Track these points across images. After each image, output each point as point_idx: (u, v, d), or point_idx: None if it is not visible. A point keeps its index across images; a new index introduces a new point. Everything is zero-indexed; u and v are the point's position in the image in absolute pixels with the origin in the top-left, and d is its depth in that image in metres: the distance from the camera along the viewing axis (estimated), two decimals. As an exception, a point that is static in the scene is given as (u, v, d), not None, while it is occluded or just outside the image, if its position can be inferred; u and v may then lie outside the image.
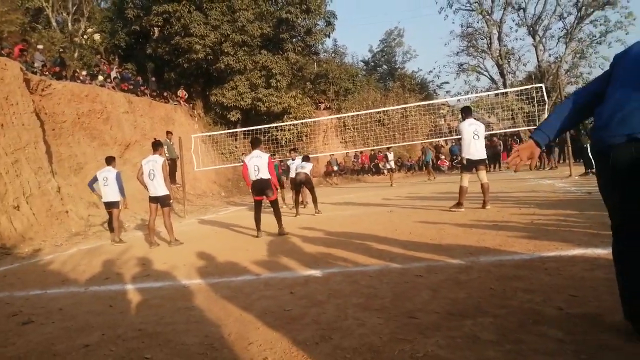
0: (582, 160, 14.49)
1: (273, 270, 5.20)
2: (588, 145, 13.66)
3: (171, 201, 9.02)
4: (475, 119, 9.19)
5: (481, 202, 8.56)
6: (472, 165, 8.68)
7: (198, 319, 3.67)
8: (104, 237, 10.35)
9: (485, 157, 8.90)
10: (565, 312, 2.94)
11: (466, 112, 9.05)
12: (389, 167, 21.95)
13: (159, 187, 8.30)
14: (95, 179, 9.78)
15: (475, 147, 8.59)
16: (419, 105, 25.46)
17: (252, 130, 20.42)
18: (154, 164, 8.34)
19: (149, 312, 4.05)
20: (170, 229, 8.38)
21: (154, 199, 8.43)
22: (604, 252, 4.28)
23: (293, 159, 13.63)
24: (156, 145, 8.65)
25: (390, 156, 21.65)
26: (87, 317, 4.08)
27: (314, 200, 11.32)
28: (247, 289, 4.44)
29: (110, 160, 9.84)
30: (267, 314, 3.58)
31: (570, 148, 14.71)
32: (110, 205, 9.54)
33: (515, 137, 28.23)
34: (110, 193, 9.49)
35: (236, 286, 4.63)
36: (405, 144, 24.65)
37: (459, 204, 8.65)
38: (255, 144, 8.51)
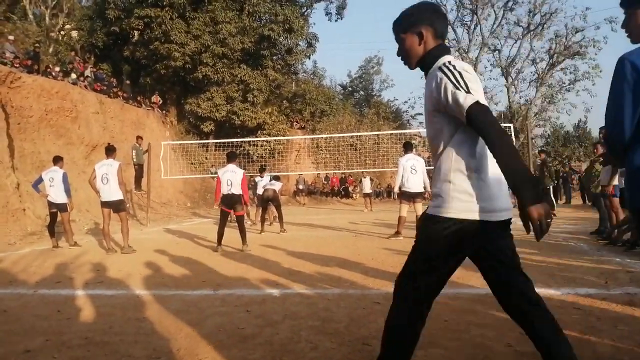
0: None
1: (231, 286, 5.13)
2: (551, 187, 14.10)
3: (127, 205, 8.79)
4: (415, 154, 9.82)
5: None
6: (410, 197, 9.08)
7: (148, 331, 3.57)
8: (60, 238, 10.04)
9: (422, 190, 9.28)
10: (514, 349, 2.98)
11: (407, 147, 9.62)
12: (365, 192, 21.72)
13: (113, 192, 8.10)
14: (40, 180, 9.29)
15: (412, 181, 9.03)
16: (392, 134, 25.81)
17: (225, 142, 20.28)
18: (109, 167, 8.14)
19: (98, 320, 3.93)
20: (126, 234, 8.19)
21: (106, 204, 8.18)
22: (557, 293, 4.39)
23: (262, 177, 13.54)
24: (109, 150, 8.45)
25: (366, 181, 21.60)
26: (33, 321, 3.93)
27: (280, 219, 11.27)
28: (202, 304, 4.36)
29: (57, 160, 9.42)
30: (220, 331, 3.52)
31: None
32: (55, 207, 9.14)
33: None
34: (57, 194, 9.08)
35: (191, 300, 4.54)
36: (376, 170, 24.89)
37: (397, 233, 9.09)
38: (230, 158, 8.54)
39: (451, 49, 34.96)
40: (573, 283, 4.80)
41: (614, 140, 2.09)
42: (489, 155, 1.88)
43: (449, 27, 35.48)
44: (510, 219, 2.13)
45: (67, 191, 9.19)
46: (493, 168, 1.95)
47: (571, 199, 21.88)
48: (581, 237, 8.69)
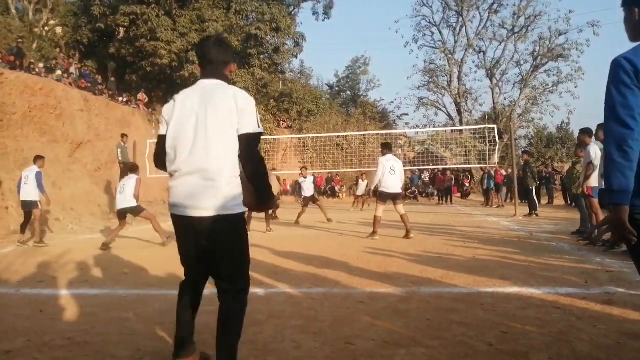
0: (526, 201, 15.06)
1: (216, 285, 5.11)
2: (533, 188, 14.26)
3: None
4: (394, 155, 9.77)
5: (406, 231, 9.03)
6: (387, 198, 9.13)
7: (132, 331, 3.57)
8: (45, 237, 9.95)
9: (400, 191, 9.39)
10: (495, 348, 3.03)
11: (387, 147, 9.52)
12: (358, 193, 21.18)
13: (125, 200, 8.69)
14: (20, 179, 9.31)
15: (391, 182, 9.04)
16: (378, 134, 25.88)
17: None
18: (128, 180, 8.88)
19: (81, 320, 3.91)
20: (158, 231, 8.84)
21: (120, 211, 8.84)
22: (538, 292, 4.46)
23: (305, 178, 13.89)
24: (133, 169, 9.34)
25: (363, 184, 20.34)
26: (14, 321, 3.90)
27: (267, 218, 11.27)
28: (186, 303, 4.35)
29: (36, 159, 9.42)
30: (204, 331, 3.51)
31: (516, 189, 15.27)
32: (27, 205, 9.10)
33: (467, 173, 29.04)
34: (28, 192, 9.01)
35: (176, 299, 4.52)
36: (361, 170, 24.96)
37: (374, 233, 9.12)
38: None
39: (437, 50, 35.46)
40: (554, 282, 4.88)
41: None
42: None
43: (435, 28, 36.18)
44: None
45: (40, 187, 9.08)
46: None
47: (553, 199, 22.14)
48: (562, 237, 8.82)
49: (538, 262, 6.09)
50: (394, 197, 9.17)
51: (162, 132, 2.61)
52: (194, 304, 2.90)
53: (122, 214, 8.75)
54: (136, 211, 8.83)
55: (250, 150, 2.46)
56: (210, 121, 2.43)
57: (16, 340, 3.38)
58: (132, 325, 3.73)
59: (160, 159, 2.64)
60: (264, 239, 9.61)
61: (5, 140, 12.89)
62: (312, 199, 13.65)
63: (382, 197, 9.12)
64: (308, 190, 13.65)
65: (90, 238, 10.19)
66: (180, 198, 2.49)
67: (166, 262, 6.75)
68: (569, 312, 3.82)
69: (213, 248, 2.56)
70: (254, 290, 4.82)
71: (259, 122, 2.52)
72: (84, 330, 3.59)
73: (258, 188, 2.50)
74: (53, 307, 4.33)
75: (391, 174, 9.04)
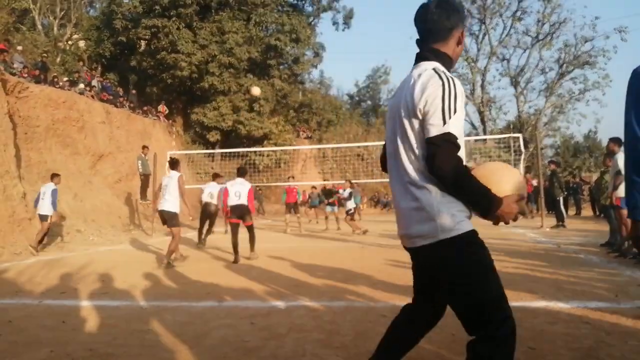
0: (553, 212, 14.74)
1: (236, 298, 5.09)
2: (561, 198, 13.94)
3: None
4: None
5: None
6: None
7: (152, 343, 3.54)
8: (66, 248, 10.10)
9: None
10: (524, 365, 2.93)
11: None
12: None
13: (167, 203, 8.14)
14: (39, 194, 10.13)
15: None
16: (399, 143, 25.69)
17: (231, 152, 20.29)
18: (169, 180, 8.27)
19: (102, 331, 3.91)
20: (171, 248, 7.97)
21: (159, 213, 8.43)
22: (566, 306, 4.32)
23: (344, 190, 14.13)
24: (174, 163, 8.64)
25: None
26: (38, 332, 3.91)
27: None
28: (207, 316, 4.32)
29: (53, 177, 10.34)
30: (224, 344, 3.48)
31: (543, 199, 14.96)
32: (42, 218, 9.89)
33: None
34: (43, 206, 9.86)
35: (196, 312, 4.51)
36: (383, 180, 24.80)
37: None
38: (240, 172, 8.79)
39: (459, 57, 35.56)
40: (582, 296, 4.73)
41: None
42: None
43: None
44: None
45: (53, 204, 9.86)
46: None
47: (581, 210, 21.68)
48: (591, 249, 8.59)
49: (566, 275, 5.92)
50: None
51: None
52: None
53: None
54: (172, 220, 8.07)
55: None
56: None
57: (40, 351, 3.39)
58: (152, 337, 3.71)
59: None
60: (284, 250, 9.57)
61: (29, 152, 13.12)
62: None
63: None
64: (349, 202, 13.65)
65: (111, 250, 10.29)
66: None
67: (186, 274, 6.76)
68: (599, 327, 3.69)
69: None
70: (274, 302, 4.79)
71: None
72: (105, 342, 3.58)
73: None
74: (75, 319, 4.34)
75: None
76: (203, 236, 10.82)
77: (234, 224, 8.44)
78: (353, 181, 16.43)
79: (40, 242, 9.87)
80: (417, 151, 1.89)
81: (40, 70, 16.32)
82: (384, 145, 2.27)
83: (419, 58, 2.01)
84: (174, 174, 8.31)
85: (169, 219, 8.04)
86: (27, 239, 10.52)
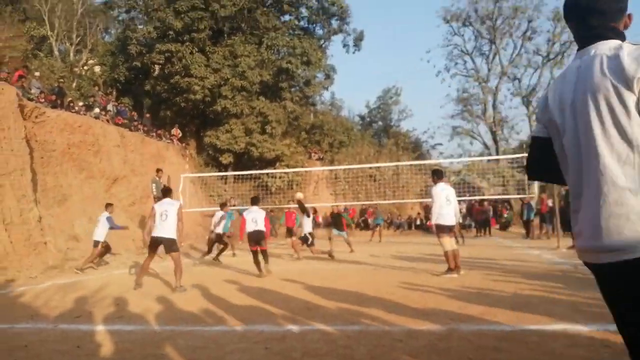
0: (570, 233, 14.50)
1: (250, 322, 5.06)
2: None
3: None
4: (446, 182, 9.11)
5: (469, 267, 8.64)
6: (447, 230, 8.39)
7: (166, 369, 3.53)
8: (81, 272, 10.18)
9: (454, 223, 8.63)
10: (544, 392, 2.86)
11: (438, 175, 8.72)
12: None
13: (166, 229, 7.86)
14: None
15: (447, 212, 8.34)
16: (411, 164, 25.70)
17: (244, 175, 20.36)
18: (169, 206, 8.02)
19: (116, 356, 3.91)
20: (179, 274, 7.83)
21: (156, 240, 7.95)
22: (585, 329, 4.24)
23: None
24: (167, 192, 8.71)
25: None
26: (52, 357, 3.93)
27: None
28: (221, 340, 4.30)
29: (107, 206, 11.42)
30: (239, 369, 3.46)
31: (559, 220, 14.74)
32: (93, 244, 10.88)
33: (505, 204, 28.39)
34: (96, 233, 10.88)
35: (210, 336, 4.49)
36: (395, 202, 24.71)
37: (451, 269, 8.23)
38: (254, 201, 10.02)
39: (470, 78, 35.32)
40: (602, 319, 4.62)
41: None
42: None
43: (468, 56, 36.08)
44: None
45: (113, 228, 11.04)
46: None
47: (596, 230, 21.28)
48: (608, 269, 8.42)
49: (585, 296, 5.81)
50: (450, 229, 8.51)
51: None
52: None
53: (156, 244, 8.01)
54: (173, 246, 7.89)
55: None
56: None
57: (53, 378, 3.39)
58: (166, 362, 3.70)
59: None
60: (297, 272, 9.53)
61: (45, 176, 13.31)
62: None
63: (442, 229, 8.33)
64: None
65: (125, 273, 10.33)
66: None
67: (199, 297, 6.75)
68: (620, 350, 3.57)
69: None
70: (288, 326, 4.76)
71: None
72: (119, 368, 3.57)
73: None
74: (90, 343, 4.35)
75: (447, 203, 8.37)
76: (216, 255, 12.58)
77: (253, 251, 9.37)
78: (367, 203, 16.40)
79: (92, 261, 10.90)
80: (634, 141, 1.62)
81: (56, 96, 16.63)
82: (532, 146, 2.07)
83: (595, 37, 1.85)
84: (175, 202, 8.28)
85: (168, 245, 7.83)
86: (42, 263, 10.63)
